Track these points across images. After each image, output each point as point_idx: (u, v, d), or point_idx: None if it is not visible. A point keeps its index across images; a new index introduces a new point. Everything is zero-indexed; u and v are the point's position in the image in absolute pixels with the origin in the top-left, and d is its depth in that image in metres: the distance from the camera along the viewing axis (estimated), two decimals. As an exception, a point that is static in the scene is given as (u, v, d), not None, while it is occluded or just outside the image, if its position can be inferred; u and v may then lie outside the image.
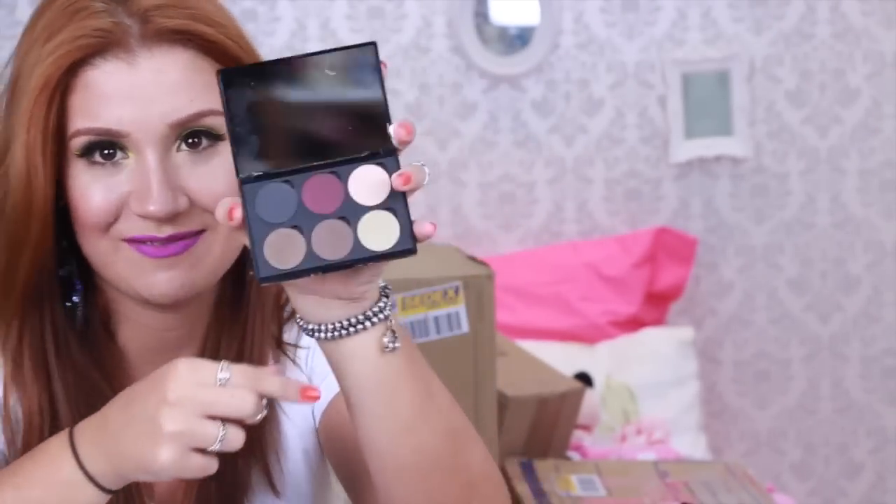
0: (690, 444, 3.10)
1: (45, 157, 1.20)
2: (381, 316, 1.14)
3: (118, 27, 1.20)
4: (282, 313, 1.36)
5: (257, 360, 1.33)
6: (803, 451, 3.53)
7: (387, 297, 1.16)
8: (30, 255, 1.22)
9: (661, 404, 3.14)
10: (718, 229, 3.45)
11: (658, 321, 3.35)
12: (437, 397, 1.19)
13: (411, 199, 1.15)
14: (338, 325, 1.13)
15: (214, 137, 1.24)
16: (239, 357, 1.32)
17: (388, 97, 1.12)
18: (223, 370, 1.11)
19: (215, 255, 1.26)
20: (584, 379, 2.99)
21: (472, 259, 2.26)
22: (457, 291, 2.13)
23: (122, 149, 1.22)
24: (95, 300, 1.31)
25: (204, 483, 1.31)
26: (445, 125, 3.37)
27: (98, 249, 1.24)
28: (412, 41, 3.35)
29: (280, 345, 1.37)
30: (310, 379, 1.37)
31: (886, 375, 3.52)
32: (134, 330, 1.32)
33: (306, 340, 1.37)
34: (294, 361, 1.37)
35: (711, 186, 3.44)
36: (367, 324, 1.13)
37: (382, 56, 1.12)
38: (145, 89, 1.20)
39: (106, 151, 1.22)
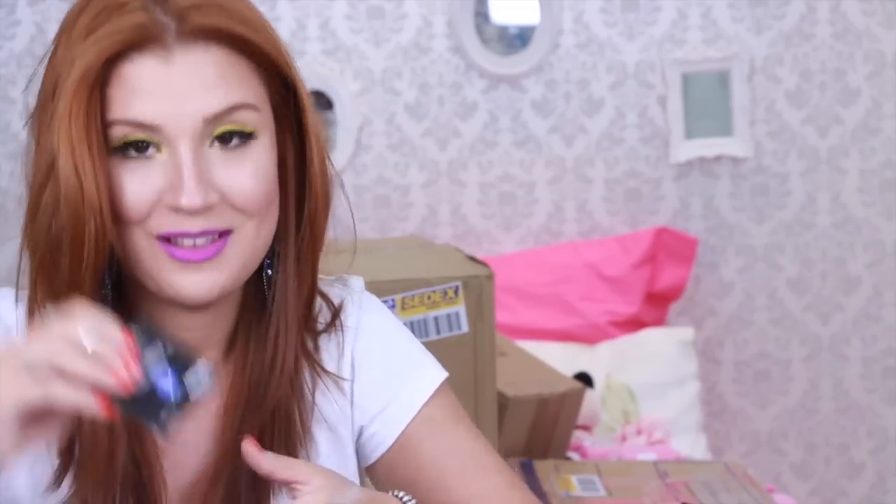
0: (690, 445, 3.10)
1: (90, 150, 1.21)
2: None
3: (155, 24, 1.22)
4: (313, 324, 1.37)
5: (288, 369, 1.34)
6: (804, 451, 3.53)
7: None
8: (93, 251, 1.23)
9: (661, 404, 3.13)
10: (718, 229, 3.45)
11: (658, 321, 3.35)
12: None
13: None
14: None
15: (246, 136, 1.26)
16: (271, 365, 1.33)
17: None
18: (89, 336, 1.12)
19: (242, 257, 1.27)
20: (584, 379, 2.99)
21: (472, 259, 2.26)
22: (457, 291, 2.13)
23: (155, 144, 1.24)
24: (123, 301, 1.31)
25: (234, 484, 1.32)
26: (445, 125, 3.37)
27: (131, 244, 1.26)
28: (412, 41, 3.35)
29: (318, 369, 1.37)
30: (351, 407, 1.39)
31: (887, 375, 3.52)
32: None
33: (347, 371, 1.38)
34: (327, 385, 1.38)
35: (711, 186, 3.44)
36: None
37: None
38: (180, 85, 1.22)
39: (140, 144, 1.24)
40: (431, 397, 1.39)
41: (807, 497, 3.51)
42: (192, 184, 1.22)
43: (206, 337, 1.34)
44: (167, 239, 1.25)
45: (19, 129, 3.17)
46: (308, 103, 1.31)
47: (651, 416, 3.05)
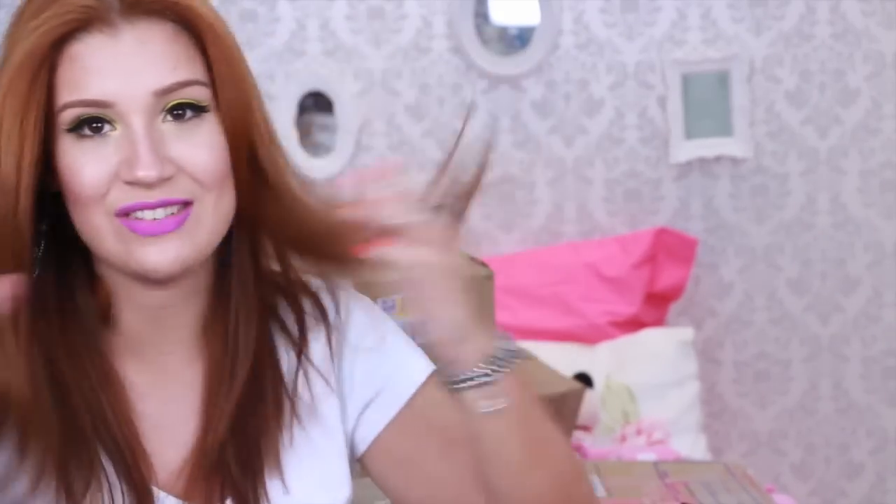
0: (690, 445, 3.10)
1: (22, 127, 1.22)
2: (477, 380, 1.26)
3: (101, 3, 1.25)
4: (302, 316, 1.38)
5: (246, 344, 1.34)
6: (803, 451, 3.53)
7: (499, 363, 1.27)
8: (10, 232, 1.23)
9: (660, 405, 3.14)
10: (718, 230, 3.45)
11: (658, 321, 3.35)
12: (548, 447, 1.32)
13: None
14: (447, 380, 1.28)
15: (198, 109, 1.28)
16: (234, 338, 1.34)
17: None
18: None
19: (205, 227, 1.29)
20: (584, 379, 2.99)
21: (472, 259, 2.26)
22: (457, 292, 2.13)
23: (109, 121, 1.25)
24: (95, 289, 1.33)
25: (223, 462, 1.33)
26: (445, 126, 3.37)
27: (92, 225, 1.27)
28: (412, 41, 3.35)
29: (304, 359, 1.38)
30: (344, 401, 1.39)
31: (887, 376, 3.52)
32: (132, 312, 1.34)
33: (337, 363, 1.39)
34: (326, 380, 1.38)
35: (711, 187, 3.44)
36: (463, 385, 1.27)
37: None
38: (129, 61, 1.25)
39: (94, 125, 1.25)
40: (423, 384, 1.40)
41: (806, 497, 3.51)
42: (147, 156, 1.24)
43: (178, 315, 1.34)
44: (126, 214, 1.26)
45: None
46: (243, 79, 1.31)
47: (651, 417, 3.05)
